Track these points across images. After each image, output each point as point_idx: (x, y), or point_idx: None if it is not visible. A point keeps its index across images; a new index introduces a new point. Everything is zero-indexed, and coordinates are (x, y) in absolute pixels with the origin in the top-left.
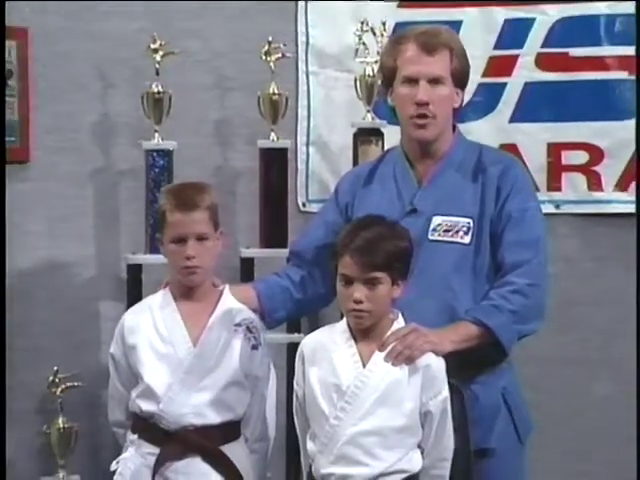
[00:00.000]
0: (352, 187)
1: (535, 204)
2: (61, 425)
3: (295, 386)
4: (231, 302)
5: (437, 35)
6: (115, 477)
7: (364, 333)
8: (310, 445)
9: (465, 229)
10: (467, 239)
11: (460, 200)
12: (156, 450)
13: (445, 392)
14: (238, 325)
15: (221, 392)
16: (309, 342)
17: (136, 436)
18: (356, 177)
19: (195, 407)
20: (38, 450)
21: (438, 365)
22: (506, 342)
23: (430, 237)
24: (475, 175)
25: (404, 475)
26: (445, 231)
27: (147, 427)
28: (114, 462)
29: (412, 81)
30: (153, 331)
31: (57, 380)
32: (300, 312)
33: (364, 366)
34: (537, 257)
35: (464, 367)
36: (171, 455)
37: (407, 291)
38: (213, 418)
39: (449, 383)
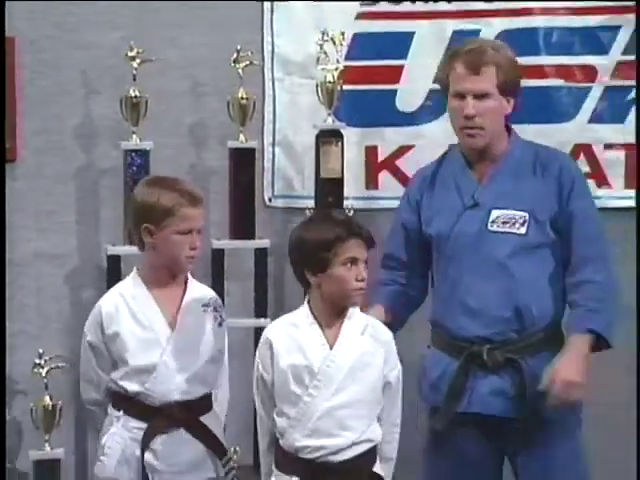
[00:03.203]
0: (420, 187)
1: (592, 200)
2: (46, 403)
3: (261, 371)
4: (196, 285)
5: (482, 54)
6: (105, 450)
7: (329, 315)
8: (280, 421)
9: (521, 221)
10: (523, 230)
11: (518, 195)
12: (142, 425)
13: (399, 364)
14: (207, 305)
15: (200, 369)
16: (275, 330)
17: (121, 412)
18: (422, 178)
19: (178, 384)
20: (25, 426)
21: (392, 339)
22: (612, 339)
23: (489, 228)
24: (534, 172)
25: (370, 444)
26: (503, 223)
27: (132, 404)
28: (104, 437)
29: (461, 96)
30: (131, 319)
31: (43, 362)
32: (415, 307)
33: (331, 347)
34: (603, 250)
35: (526, 346)
36: (158, 429)
37: (469, 275)
38: (193, 393)
39: (510, 359)
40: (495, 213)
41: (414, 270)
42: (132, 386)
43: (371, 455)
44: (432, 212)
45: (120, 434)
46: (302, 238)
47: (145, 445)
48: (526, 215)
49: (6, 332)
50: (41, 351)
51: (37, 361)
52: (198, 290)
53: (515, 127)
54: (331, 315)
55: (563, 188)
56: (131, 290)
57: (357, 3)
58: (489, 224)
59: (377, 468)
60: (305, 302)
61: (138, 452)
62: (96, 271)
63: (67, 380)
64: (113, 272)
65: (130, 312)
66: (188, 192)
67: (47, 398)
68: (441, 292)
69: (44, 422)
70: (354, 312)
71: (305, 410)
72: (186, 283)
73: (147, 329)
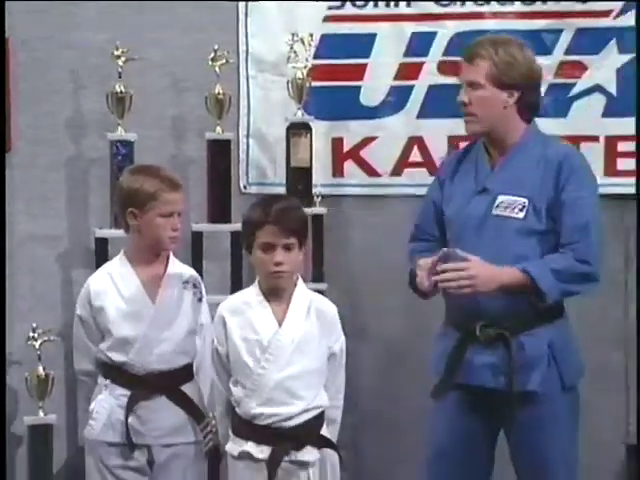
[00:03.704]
0: (447, 168)
1: (588, 192)
2: (40, 373)
3: (216, 344)
4: (177, 264)
5: (478, 47)
6: (93, 415)
7: (276, 293)
8: (236, 390)
9: (520, 206)
10: (521, 215)
11: (522, 183)
12: (127, 392)
13: (342, 335)
14: (186, 282)
15: (180, 341)
16: (227, 306)
17: (108, 381)
18: (451, 160)
19: (159, 355)
20: (21, 394)
21: (336, 313)
22: (546, 290)
23: (493, 212)
24: (538, 162)
25: (319, 410)
26: (505, 207)
27: (119, 373)
28: (92, 403)
29: (462, 85)
30: (116, 294)
31: (36, 335)
32: None
33: (279, 322)
34: (586, 238)
35: (518, 322)
36: (141, 396)
37: (479, 255)
38: (174, 362)
39: (502, 335)
40: (500, 198)
41: (438, 241)
42: (117, 356)
43: (319, 420)
44: (451, 193)
45: (107, 400)
46: (243, 219)
47: (129, 410)
48: (525, 201)
49: (6, 309)
50: (34, 325)
51: (31, 334)
52: (178, 268)
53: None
54: (279, 292)
55: (560, 178)
56: (117, 269)
57: (324, 6)
58: (494, 209)
59: (324, 431)
60: (256, 281)
61: (123, 417)
62: (85, 252)
63: (59, 352)
64: (101, 253)
65: (115, 288)
66: (169, 178)
67: (40, 369)
68: None
69: (38, 390)
70: (301, 289)
71: (259, 381)
72: (167, 262)
73: (129, 303)
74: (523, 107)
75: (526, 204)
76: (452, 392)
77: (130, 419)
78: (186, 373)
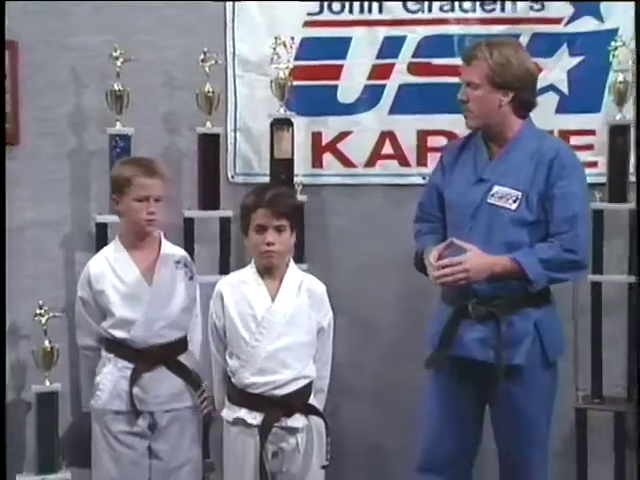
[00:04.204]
0: (449, 155)
1: (577, 187)
2: (46, 346)
3: (214, 319)
4: (169, 246)
5: (475, 50)
6: (99, 387)
7: (270, 272)
8: (231, 362)
9: (514, 198)
10: (514, 206)
11: (516, 175)
12: (130, 365)
13: (330, 311)
14: (178, 262)
15: (176, 317)
16: (225, 283)
17: (112, 355)
18: (453, 147)
19: (157, 331)
20: (29, 365)
21: (324, 291)
22: (533, 278)
23: (488, 200)
24: (532, 156)
25: (307, 380)
26: (499, 197)
27: (121, 348)
28: (98, 376)
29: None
30: (115, 277)
31: (42, 312)
32: None
33: (272, 298)
34: (573, 230)
35: (507, 302)
36: (144, 368)
37: (467, 241)
38: (171, 336)
39: (492, 313)
40: (495, 188)
41: (442, 221)
42: (119, 333)
43: (307, 389)
44: (451, 180)
45: (111, 373)
46: (240, 205)
47: (133, 381)
48: (519, 194)
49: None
50: (41, 303)
51: (37, 311)
52: (170, 250)
53: (434, 117)
54: (273, 270)
55: (552, 173)
56: (113, 253)
57: (304, 12)
58: (489, 197)
59: (312, 400)
60: (252, 261)
61: (127, 387)
62: (86, 236)
63: (62, 327)
64: (100, 237)
65: (113, 271)
66: (145, 165)
67: (46, 342)
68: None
69: (44, 362)
70: (293, 269)
71: (253, 352)
72: (160, 245)
73: (127, 286)
74: (518, 105)
75: (519, 197)
76: (447, 363)
77: (134, 389)
78: (182, 345)
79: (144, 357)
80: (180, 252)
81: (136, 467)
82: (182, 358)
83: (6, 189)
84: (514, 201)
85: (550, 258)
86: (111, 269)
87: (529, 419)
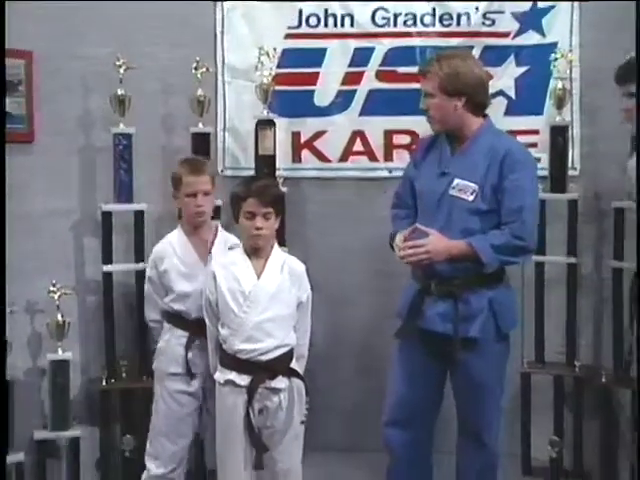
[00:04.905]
0: (420, 151)
1: (526, 181)
2: (58, 319)
3: (208, 294)
4: (224, 233)
5: (429, 64)
6: (160, 351)
7: (256, 253)
8: (223, 331)
9: (471, 190)
10: (471, 198)
11: (474, 170)
12: (185, 333)
13: (309, 288)
14: (230, 248)
15: None
16: (217, 263)
17: (171, 325)
18: (423, 144)
19: None
20: (44, 336)
21: (304, 270)
22: (486, 261)
23: (450, 192)
24: (488, 153)
25: (289, 347)
26: (459, 190)
27: (178, 319)
28: (159, 342)
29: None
30: (175, 259)
31: (55, 289)
32: None
33: (258, 276)
34: (520, 219)
35: (465, 282)
36: (195, 336)
37: (431, 227)
38: None
39: (451, 291)
40: (456, 181)
41: (415, 209)
42: (177, 306)
43: (289, 355)
44: (420, 172)
45: (169, 340)
46: (230, 194)
47: (188, 347)
48: (476, 187)
49: (6, 271)
50: (54, 281)
51: (51, 289)
52: (224, 237)
53: (399, 118)
54: (259, 251)
55: (504, 168)
56: (176, 239)
57: (285, 26)
58: (450, 189)
59: (293, 364)
60: (241, 244)
61: (183, 352)
62: (93, 223)
63: (73, 303)
64: (106, 224)
65: (175, 254)
66: (190, 164)
67: (59, 316)
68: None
69: (57, 333)
70: (276, 251)
71: (241, 323)
72: (217, 232)
73: (186, 265)
74: (473, 107)
75: (476, 189)
76: (412, 335)
77: (189, 354)
78: None
79: (196, 326)
80: (233, 239)
81: (183, 423)
82: None
83: (23, 181)
84: (471, 193)
85: (501, 244)
86: (173, 252)
87: (484, 384)
